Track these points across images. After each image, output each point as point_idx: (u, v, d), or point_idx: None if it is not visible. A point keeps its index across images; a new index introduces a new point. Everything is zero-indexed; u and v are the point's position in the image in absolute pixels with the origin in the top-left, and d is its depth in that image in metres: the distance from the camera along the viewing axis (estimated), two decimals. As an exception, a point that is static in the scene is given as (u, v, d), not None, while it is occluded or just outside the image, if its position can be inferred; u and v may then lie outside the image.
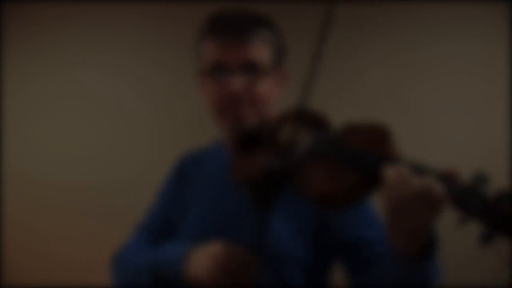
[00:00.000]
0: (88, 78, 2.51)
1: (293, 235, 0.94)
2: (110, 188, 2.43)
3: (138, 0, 2.45)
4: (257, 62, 0.97)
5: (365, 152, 0.76)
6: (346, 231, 0.93)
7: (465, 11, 2.25)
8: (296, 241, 0.94)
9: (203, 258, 0.89)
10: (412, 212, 0.68)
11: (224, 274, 0.86)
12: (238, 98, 0.96)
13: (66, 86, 2.53)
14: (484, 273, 1.95)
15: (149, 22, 2.48)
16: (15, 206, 2.49)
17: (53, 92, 2.54)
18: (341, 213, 0.93)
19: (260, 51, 0.98)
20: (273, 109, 1.02)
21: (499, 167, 2.12)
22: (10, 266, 2.47)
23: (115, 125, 2.49)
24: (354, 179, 0.76)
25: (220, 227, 0.99)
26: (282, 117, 0.96)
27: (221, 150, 1.09)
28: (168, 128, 2.43)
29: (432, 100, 2.26)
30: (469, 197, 0.65)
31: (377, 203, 0.79)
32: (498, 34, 2.20)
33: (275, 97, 1.02)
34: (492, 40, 2.22)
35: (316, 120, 0.91)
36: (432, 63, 2.28)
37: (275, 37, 1.02)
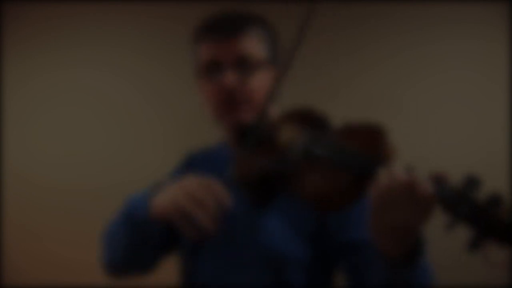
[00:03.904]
0: (89, 78, 2.51)
1: (292, 236, 0.94)
2: (111, 189, 2.41)
3: (138, -1, 2.45)
4: (249, 57, 0.98)
5: (360, 153, 0.76)
6: (345, 232, 0.93)
7: (465, 11, 2.25)
8: (296, 242, 0.94)
9: (170, 189, 0.87)
10: (397, 209, 0.68)
11: (187, 198, 0.83)
12: (232, 93, 0.97)
13: (66, 86, 2.53)
14: (482, 273, 1.95)
15: (151, 20, 2.48)
16: (15, 207, 2.49)
17: (54, 92, 2.54)
18: (340, 215, 0.93)
19: (252, 46, 0.99)
20: (273, 106, 1.02)
21: (498, 168, 2.12)
22: (10, 267, 2.46)
23: (116, 126, 2.49)
24: (348, 181, 0.75)
25: (224, 225, 0.99)
26: (283, 116, 0.96)
27: (225, 150, 1.09)
28: (172, 129, 2.42)
29: (432, 100, 2.26)
30: (458, 201, 0.64)
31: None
32: (498, 34, 2.20)
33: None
34: (492, 40, 2.22)
35: (317, 120, 0.91)
36: (432, 63, 2.27)
37: (267, 34, 1.03)
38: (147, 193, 0.93)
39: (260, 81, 0.99)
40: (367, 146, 0.77)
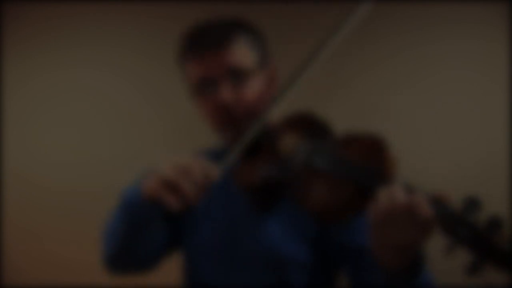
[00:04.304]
0: (89, 78, 2.50)
1: (294, 238, 0.95)
2: (111, 190, 2.40)
3: None
4: (240, 66, 0.96)
5: (361, 167, 0.76)
6: (347, 236, 0.93)
7: (465, 11, 2.25)
8: (297, 244, 0.95)
9: (164, 165, 0.83)
10: (397, 227, 0.68)
11: (173, 169, 0.79)
12: (230, 107, 0.96)
13: (66, 86, 2.53)
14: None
15: (151, 20, 2.48)
16: (15, 207, 2.49)
17: (54, 92, 2.54)
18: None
19: (241, 54, 0.97)
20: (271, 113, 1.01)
21: (498, 168, 2.12)
22: (10, 267, 2.46)
23: (116, 126, 2.49)
24: (349, 195, 0.75)
25: (228, 230, 0.99)
26: (285, 122, 0.96)
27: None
28: (172, 129, 2.42)
29: (432, 100, 2.26)
30: (458, 224, 0.64)
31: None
32: (498, 34, 2.20)
33: (268, 97, 1.01)
34: (492, 40, 2.22)
35: (319, 128, 0.90)
36: (432, 63, 2.27)
37: (254, 39, 1.01)
38: (140, 178, 0.91)
39: (255, 88, 0.98)
40: (368, 158, 0.77)
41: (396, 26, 2.32)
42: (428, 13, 2.27)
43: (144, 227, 0.91)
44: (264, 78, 1.01)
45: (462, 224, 0.63)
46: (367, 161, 0.76)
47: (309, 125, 0.91)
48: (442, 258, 0.76)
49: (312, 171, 0.82)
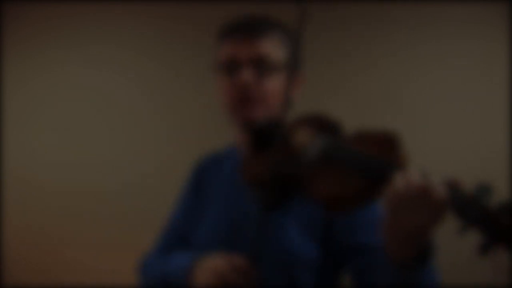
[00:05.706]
0: (89, 78, 2.51)
1: (303, 237, 0.95)
2: (111, 190, 2.42)
3: (138, -1, 2.46)
4: (267, 58, 1.01)
5: (376, 157, 0.77)
6: (352, 236, 0.93)
7: (465, 11, 2.25)
8: (306, 243, 0.95)
9: (206, 271, 0.91)
10: (411, 211, 0.69)
11: (222, 286, 0.87)
12: (247, 90, 0.99)
13: (66, 86, 2.53)
14: (484, 273, 1.95)
15: (151, 20, 2.49)
16: (15, 207, 2.49)
17: (54, 92, 2.54)
18: (349, 217, 0.93)
19: (271, 47, 1.02)
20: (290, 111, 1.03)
21: (498, 168, 2.13)
22: (10, 267, 2.47)
23: (117, 126, 2.49)
24: (361, 184, 0.76)
25: (233, 230, 1.00)
26: (297, 120, 0.97)
27: (234, 153, 1.10)
28: (173, 129, 2.42)
29: (432, 100, 2.26)
30: (470, 206, 0.65)
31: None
32: (498, 34, 2.21)
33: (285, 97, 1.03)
34: (492, 40, 2.22)
35: (330, 126, 0.92)
36: (432, 63, 2.28)
37: (289, 40, 1.05)
38: (183, 265, 0.98)
39: (275, 83, 1.01)
40: (381, 153, 0.78)
41: (396, 26, 2.32)
42: (428, 13, 2.27)
43: None
44: (289, 78, 1.04)
45: (474, 206, 0.65)
46: (380, 156, 0.77)
47: (321, 124, 0.93)
48: (447, 255, 0.77)
49: (325, 163, 0.83)
